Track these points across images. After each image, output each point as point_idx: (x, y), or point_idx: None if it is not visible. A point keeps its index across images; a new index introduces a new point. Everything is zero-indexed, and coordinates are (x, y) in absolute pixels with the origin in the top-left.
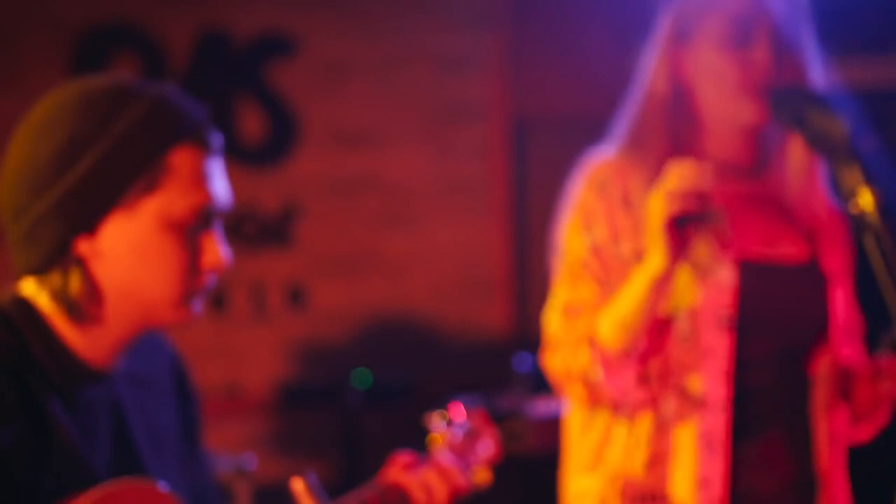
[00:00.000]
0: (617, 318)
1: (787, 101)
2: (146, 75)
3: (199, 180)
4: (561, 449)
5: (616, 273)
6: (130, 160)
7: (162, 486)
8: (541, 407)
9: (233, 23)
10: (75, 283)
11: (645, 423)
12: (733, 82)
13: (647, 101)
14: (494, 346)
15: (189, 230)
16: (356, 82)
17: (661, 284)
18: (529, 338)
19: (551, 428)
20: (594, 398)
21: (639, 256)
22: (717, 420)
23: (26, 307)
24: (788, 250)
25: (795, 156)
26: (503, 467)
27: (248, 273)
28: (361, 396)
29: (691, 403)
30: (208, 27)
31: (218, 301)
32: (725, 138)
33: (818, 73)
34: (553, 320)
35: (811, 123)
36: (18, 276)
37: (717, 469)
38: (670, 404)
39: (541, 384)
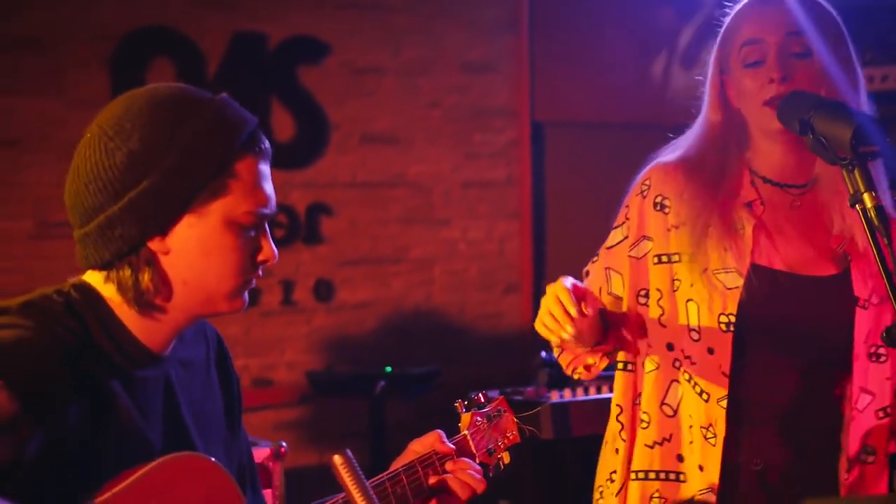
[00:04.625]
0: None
1: (792, 107)
2: (182, 79)
3: (258, 184)
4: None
5: (616, 273)
6: (202, 166)
7: (213, 460)
8: (556, 398)
9: (265, 28)
10: (146, 278)
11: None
12: (756, 98)
13: (702, 128)
14: (515, 342)
15: (245, 229)
16: (383, 86)
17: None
18: None
19: (565, 417)
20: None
21: (659, 259)
22: (717, 415)
23: (91, 295)
24: (818, 265)
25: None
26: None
27: (279, 269)
28: (386, 386)
29: (699, 398)
30: (242, 32)
31: (250, 296)
32: (771, 154)
33: (842, 78)
34: None
35: (816, 128)
36: (84, 268)
37: (715, 458)
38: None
39: (558, 379)
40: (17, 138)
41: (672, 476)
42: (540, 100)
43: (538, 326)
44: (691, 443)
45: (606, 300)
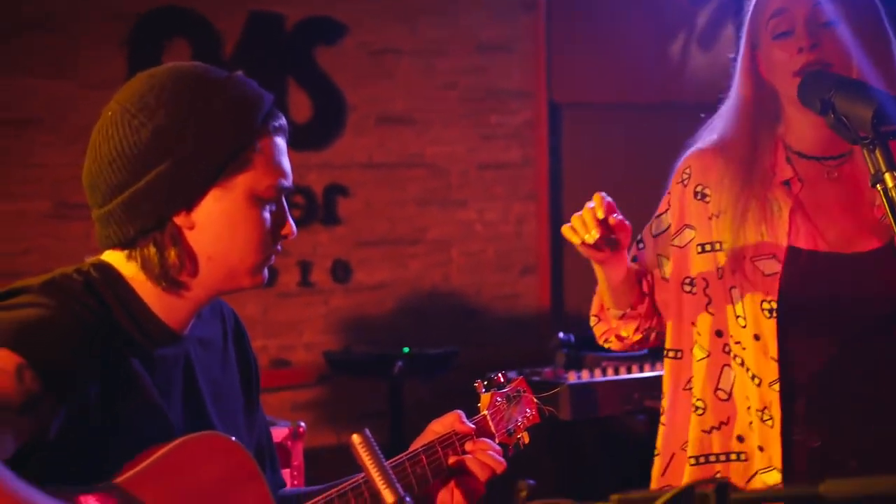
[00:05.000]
0: (601, 294)
1: (813, 87)
2: (198, 60)
3: (278, 159)
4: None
5: (664, 258)
6: (228, 141)
7: (233, 439)
8: (574, 379)
9: (282, 9)
10: (172, 253)
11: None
12: (786, 68)
13: (734, 106)
14: (532, 323)
15: (267, 203)
16: (400, 67)
17: (609, 283)
18: (566, 315)
19: (583, 398)
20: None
21: (703, 248)
22: (771, 398)
23: (111, 274)
24: (860, 239)
25: None
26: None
27: (296, 250)
28: (404, 367)
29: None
30: (258, 13)
31: (268, 277)
32: (804, 126)
33: (873, 46)
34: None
35: (836, 108)
36: (104, 248)
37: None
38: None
39: (575, 360)
40: (34, 119)
41: (733, 456)
42: (557, 80)
43: (565, 230)
44: (750, 423)
45: (659, 284)
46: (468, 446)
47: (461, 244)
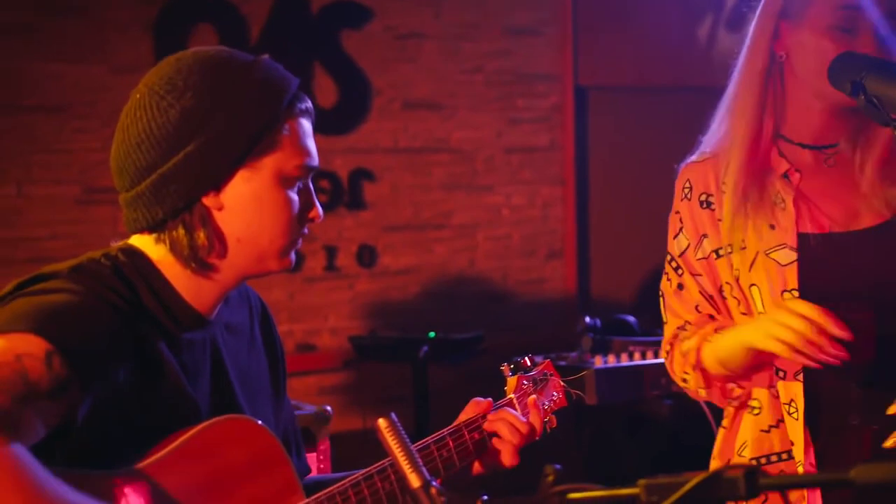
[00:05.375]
0: (718, 358)
1: (843, 69)
2: (225, 44)
3: (305, 140)
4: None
5: (700, 276)
6: (256, 121)
7: (259, 422)
8: (600, 364)
9: None
10: (201, 235)
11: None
12: (826, 61)
13: (744, 72)
14: (557, 307)
15: (294, 185)
16: (425, 51)
17: (758, 354)
18: (592, 299)
19: (609, 382)
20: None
21: (717, 254)
22: (795, 390)
23: (139, 259)
24: (865, 217)
25: (879, 131)
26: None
27: (322, 235)
28: (430, 352)
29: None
30: None
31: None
32: (811, 116)
33: None
34: (666, 329)
35: (867, 89)
36: (132, 231)
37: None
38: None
39: (601, 344)
40: (63, 104)
41: (784, 456)
42: (584, 64)
43: (774, 346)
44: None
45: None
46: (491, 416)
47: (487, 229)
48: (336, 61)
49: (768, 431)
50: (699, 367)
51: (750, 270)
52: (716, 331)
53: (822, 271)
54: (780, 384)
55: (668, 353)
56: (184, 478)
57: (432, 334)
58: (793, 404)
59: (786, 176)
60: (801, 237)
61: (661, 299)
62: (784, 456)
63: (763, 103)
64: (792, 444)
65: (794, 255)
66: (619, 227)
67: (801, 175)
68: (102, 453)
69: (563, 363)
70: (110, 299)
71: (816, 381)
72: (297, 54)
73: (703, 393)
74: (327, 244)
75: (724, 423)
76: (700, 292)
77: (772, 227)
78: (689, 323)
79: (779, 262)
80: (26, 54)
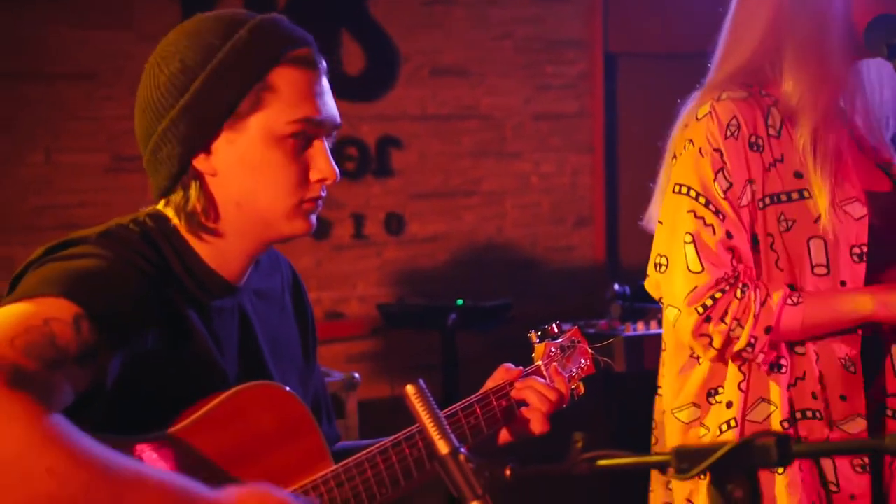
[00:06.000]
0: (812, 326)
1: (880, 30)
2: (250, 10)
3: (301, 97)
4: (647, 367)
5: (743, 218)
6: (234, 81)
7: (288, 389)
8: (630, 331)
9: None
10: (194, 197)
11: None
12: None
13: (801, 14)
14: (586, 275)
15: (295, 144)
16: (453, 17)
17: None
18: (620, 266)
19: (638, 350)
20: (726, 356)
21: (764, 203)
22: (853, 343)
23: (165, 225)
24: (878, 182)
25: (878, 94)
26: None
27: (350, 202)
28: (458, 319)
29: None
30: None
31: (321, 230)
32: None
33: None
34: (699, 278)
35: None
36: (155, 198)
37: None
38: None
39: (630, 311)
40: (92, 72)
41: (809, 414)
42: (613, 30)
43: None
44: (821, 378)
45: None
46: (518, 384)
47: (515, 196)
48: (363, 27)
49: (788, 390)
50: (773, 329)
51: (815, 222)
52: (789, 293)
53: (889, 231)
54: (837, 338)
55: (705, 308)
56: (212, 444)
57: (460, 302)
58: (849, 358)
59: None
60: (869, 193)
61: (689, 246)
62: (798, 416)
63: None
64: (813, 402)
65: (864, 210)
66: (648, 194)
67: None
68: (130, 420)
69: (591, 331)
70: (138, 264)
71: (877, 337)
72: (323, 20)
73: (760, 358)
74: (355, 212)
75: (742, 385)
76: (747, 240)
77: (843, 178)
78: (731, 277)
79: (853, 216)
80: (53, 21)
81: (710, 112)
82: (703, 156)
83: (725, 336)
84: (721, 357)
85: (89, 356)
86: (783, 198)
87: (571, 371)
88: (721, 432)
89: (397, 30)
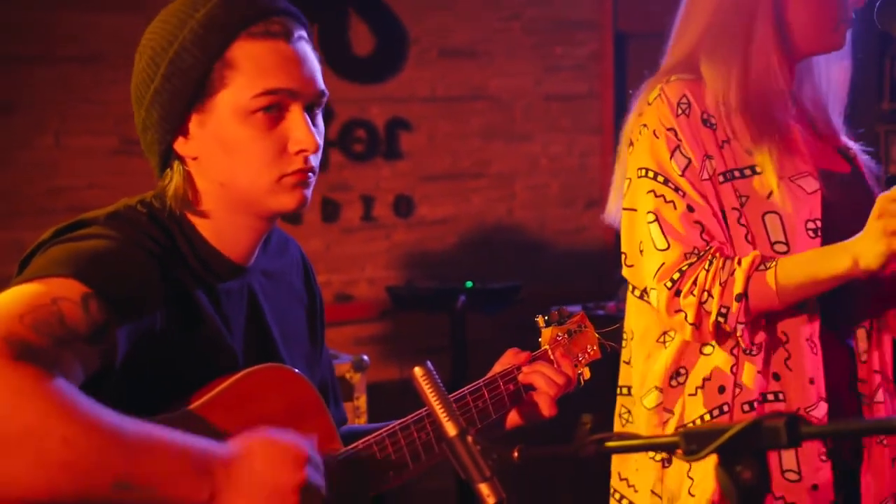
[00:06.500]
0: (789, 290)
1: (892, 9)
2: None
3: (263, 69)
4: None
5: (706, 197)
6: (195, 60)
7: (297, 371)
8: None
9: None
10: (178, 181)
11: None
12: (828, 14)
13: (731, 10)
14: (595, 257)
15: (267, 118)
16: None
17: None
18: None
19: None
20: (704, 333)
21: (724, 178)
22: (812, 323)
23: (169, 207)
24: (836, 163)
25: (825, 80)
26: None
27: (359, 185)
28: (467, 302)
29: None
30: None
31: (330, 213)
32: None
33: None
34: (666, 255)
35: None
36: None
37: (818, 366)
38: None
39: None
40: (99, 55)
41: (770, 397)
42: (623, 9)
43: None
44: (787, 359)
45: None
46: (526, 369)
47: (525, 178)
48: (372, 9)
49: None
50: (744, 297)
51: (769, 197)
52: (762, 258)
53: (840, 208)
54: (798, 319)
55: (673, 282)
56: (221, 426)
57: (469, 284)
58: (812, 338)
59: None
60: (820, 170)
61: (653, 225)
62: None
63: (746, 37)
64: (776, 384)
65: (816, 185)
66: None
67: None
68: (139, 401)
69: (600, 313)
70: (147, 245)
71: (835, 315)
72: (332, 2)
73: (738, 331)
74: (364, 194)
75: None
76: (713, 214)
77: (792, 153)
78: (700, 250)
79: (805, 190)
80: (62, 4)
81: (660, 94)
82: (657, 137)
83: (696, 308)
84: (700, 335)
85: (98, 336)
86: (737, 174)
87: (577, 356)
88: (713, 417)
89: (406, 11)
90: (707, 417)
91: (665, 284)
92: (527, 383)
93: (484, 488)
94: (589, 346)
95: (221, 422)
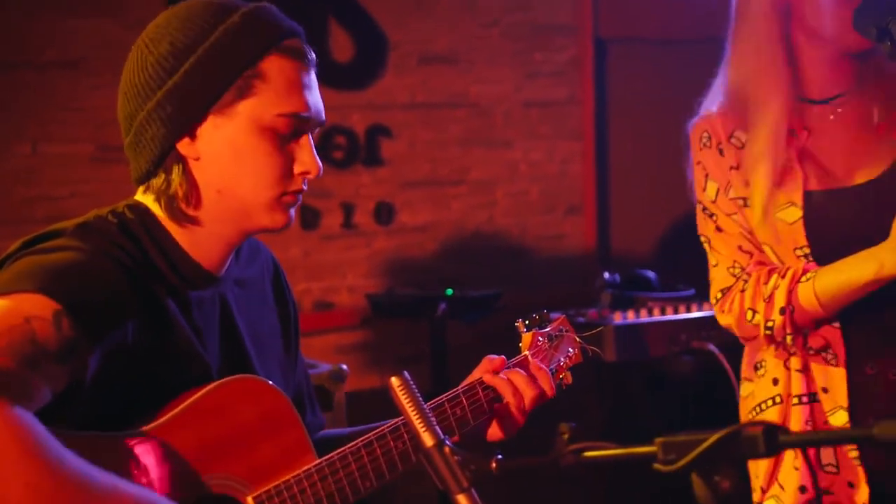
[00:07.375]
0: (825, 295)
1: (869, 14)
2: None
3: (291, 89)
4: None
5: (735, 214)
6: (225, 65)
7: (270, 382)
8: (620, 320)
9: None
10: (176, 181)
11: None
12: (840, 12)
13: (759, 27)
14: (576, 264)
15: (281, 136)
16: (441, 4)
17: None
18: (611, 255)
19: (628, 339)
20: (761, 343)
21: (746, 203)
22: (831, 335)
23: (145, 215)
24: (870, 167)
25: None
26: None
27: (339, 192)
28: (447, 309)
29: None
30: None
31: (310, 220)
32: (819, 69)
33: None
34: (716, 271)
35: (894, 34)
36: (135, 185)
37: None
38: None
39: (620, 300)
40: (77, 60)
41: (770, 402)
42: (604, 15)
43: None
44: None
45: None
46: (487, 378)
47: (505, 185)
48: (351, 15)
49: (801, 371)
50: (789, 308)
51: (760, 228)
52: (804, 270)
53: (828, 229)
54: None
55: (717, 300)
56: (194, 438)
57: (450, 291)
58: (830, 350)
59: (793, 133)
60: (807, 195)
61: (706, 244)
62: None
63: (789, 59)
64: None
65: (798, 214)
66: (638, 182)
67: (809, 133)
68: (112, 415)
69: (581, 319)
70: (117, 256)
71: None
72: (312, 8)
73: (788, 339)
74: (344, 201)
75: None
76: (740, 232)
77: (778, 185)
78: (742, 267)
79: (786, 221)
80: (39, 10)
81: (691, 131)
82: (695, 170)
83: (740, 323)
84: (758, 344)
85: (69, 353)
86: (740, 202)
87: (559, 360)
88: (767, 407)
89: (386, 17)
90: (765, 406)
91: (712, 302)
92: (493, 386)
93: (462, 499)
94: (570, 351)
95: (195, 434)
